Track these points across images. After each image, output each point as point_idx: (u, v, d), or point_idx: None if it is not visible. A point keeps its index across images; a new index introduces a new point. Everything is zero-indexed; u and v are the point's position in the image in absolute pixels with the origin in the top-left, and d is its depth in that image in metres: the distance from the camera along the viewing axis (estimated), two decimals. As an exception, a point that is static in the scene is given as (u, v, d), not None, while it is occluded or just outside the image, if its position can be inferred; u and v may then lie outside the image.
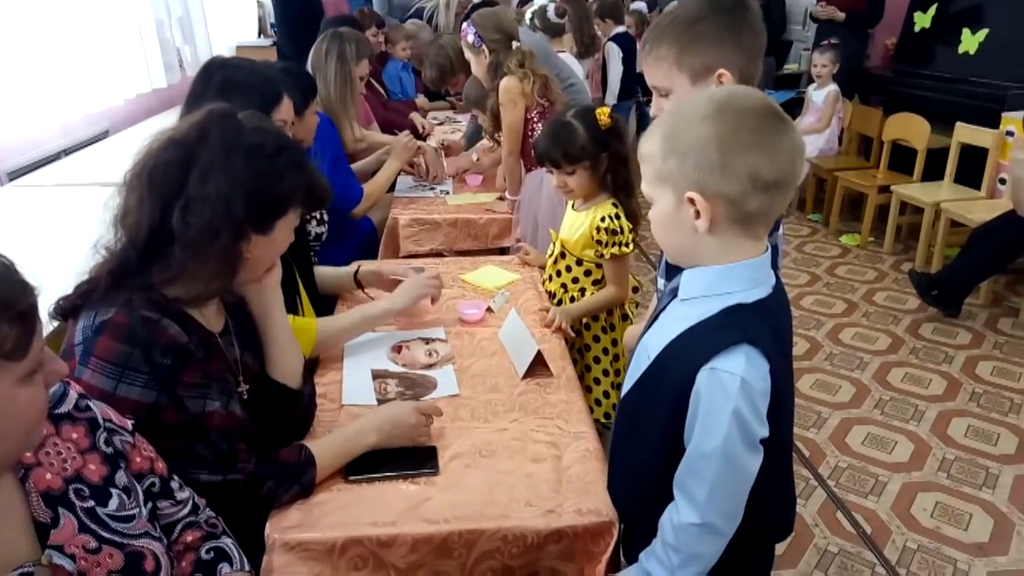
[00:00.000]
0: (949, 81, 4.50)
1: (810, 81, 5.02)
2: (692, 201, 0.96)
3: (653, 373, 1.07)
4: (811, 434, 2.64)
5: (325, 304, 1.93)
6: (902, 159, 4.38)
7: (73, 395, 0.91)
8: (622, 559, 1.23)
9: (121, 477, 0.91)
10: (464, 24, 2.72)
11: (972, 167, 3.97)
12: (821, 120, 4.69)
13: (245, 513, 1.16)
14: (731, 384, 0.95)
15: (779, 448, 1.04)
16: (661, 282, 1.40)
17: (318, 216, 2.24)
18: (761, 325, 0.98)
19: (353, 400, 1.51)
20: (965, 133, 3.98)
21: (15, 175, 2.70)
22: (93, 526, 0.85)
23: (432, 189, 2.99)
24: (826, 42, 4.68)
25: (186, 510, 1.02)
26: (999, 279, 3.70)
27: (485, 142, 3.13)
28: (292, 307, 1.66)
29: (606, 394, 2.00)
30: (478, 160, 3.23)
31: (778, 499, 1.13)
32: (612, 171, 1.92)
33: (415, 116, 3.94)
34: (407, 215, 2.69)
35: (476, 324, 1.83)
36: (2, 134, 2.66)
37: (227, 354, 1.24)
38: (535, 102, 2.62)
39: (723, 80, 1.21)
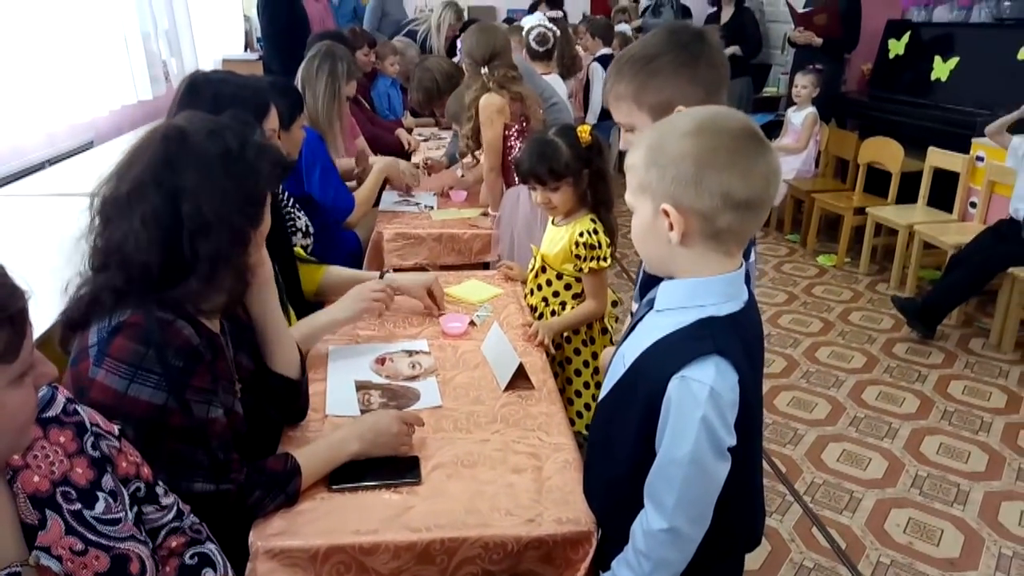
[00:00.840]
0: (922, 107, 4.62)
1: (789, 104, 5.13)
2: (666, 213, 0.99)
3: (627, 381, 1.10)
4: (788, 450, 2.68)
5: (312, 309, 1.94)
6: (877, 182, 4.48)
7: (61, 399, 0.92)
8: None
9: (107, 481, 0.92)
10: (460, 39, 2.79)
11: (944, 190, 4.07)
12: (800, 141, 4.79)
13: (231, 521, 1.17)
14: (700, 392, 0.98)
15: (747, 458, 1.07)
16: (635, 306, 1.42)
17: (303, 229, 2.26)
18: (732, 337, 1.01)
19: (337, 411, 1.53)
20: (937, 157, 4.09)
21: (-2, 184, 2.70)
22: (80, 528, 0.86)
23: (417, 204, 3.02)
24: (811, 66, 4.79)
25: (170, 515, 1.03)
26: (970, 300, 3.78)
27: (469, 158, 3.17)
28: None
29: (587, 406, 2.02)
30: (463, 176, 3.27)
31: (746, 508, 1.16)
32: (592, 187, 1.96)
33: (401, 133, 3.98)
34: (392, 229, 2.71)
35: (459, 337, 1.85)
36: (-15, 143, 2.66)
37: (227, 355, 1.26)
38: (515, 119, 2.67)
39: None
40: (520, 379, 1.62)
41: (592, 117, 4.93)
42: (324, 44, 2.83)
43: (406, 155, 3.78)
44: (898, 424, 2.86)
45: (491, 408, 1.55)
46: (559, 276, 2.02)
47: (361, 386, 1.61)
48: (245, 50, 5.61)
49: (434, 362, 1.72)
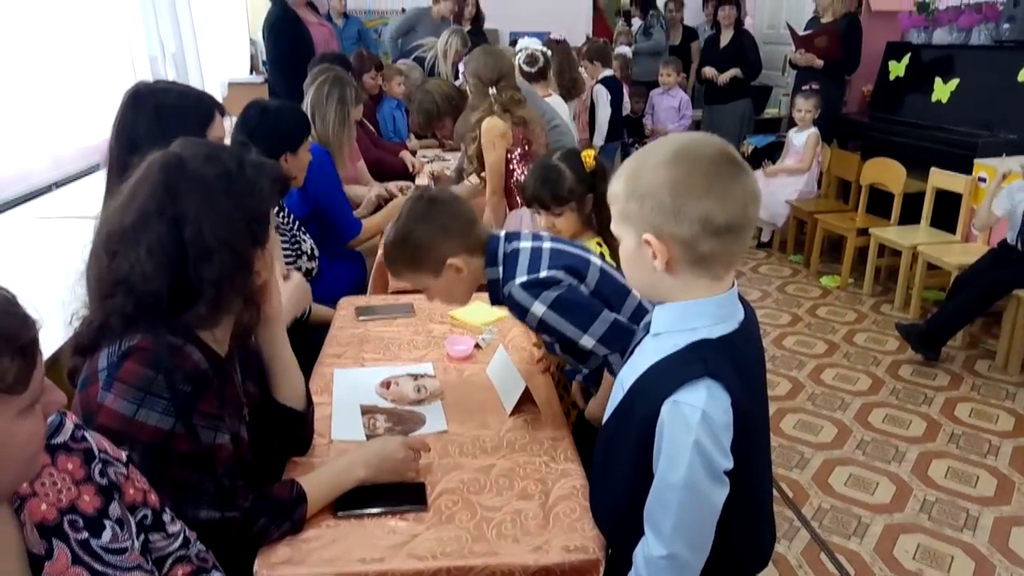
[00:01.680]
0: (923, 128, 4.64)
1: (790, 125, 5.16)
2: (648, 242, 1.01)
3: (625, 406, 1.11)
4: (795, 475, 2.66)
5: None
6: (879, 203, 4.49)
7: (69, 425, 0.92)
8: None
9: (115, 509, 0.92)
10: (461, 64, 2.82)
11: (947, 211, 4.07)
12: (803, 161, 4.81)
13: (236, 548, 1.16)
14: (692, 416, 0.98)
15: (749, 481, 1.06)
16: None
17: (308, 252, 2.27)
18: (724, 359, 1.01)
19: (342, 435, 1.52)
20: (940, 178, 4.10)
21: (5, 208, 2.70)
22: (87, 558, 0.86)
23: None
24: (808, 87, 4.82)
25: (177, 543, 1.02)
26: (976, 321, 3.77)
27: (475, 178, 3.19)
28: None
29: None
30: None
31: (753, 530, 1.15)
32: (597, 211, 1.96)
33: (405, 155, 4.00)
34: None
35: (464, 360, 1.85)
36: (-8, 166, 2.67)
37: (235, 380, 1.26)
38: (517, 143, 2.68)
39: (455, 265, 1.47)
40: (526, 402, 1.61)
41: (599, 138, 4.95)
42: (332, 71, 2.87)
43: (410, 176, 3.80)
44: (905, 447, 2.84)
45: (497, 432, 1.54)
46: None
47: (367, 410, 1.61)
48: (251, 73, 5.65)
49: (439, 385, 1.71)
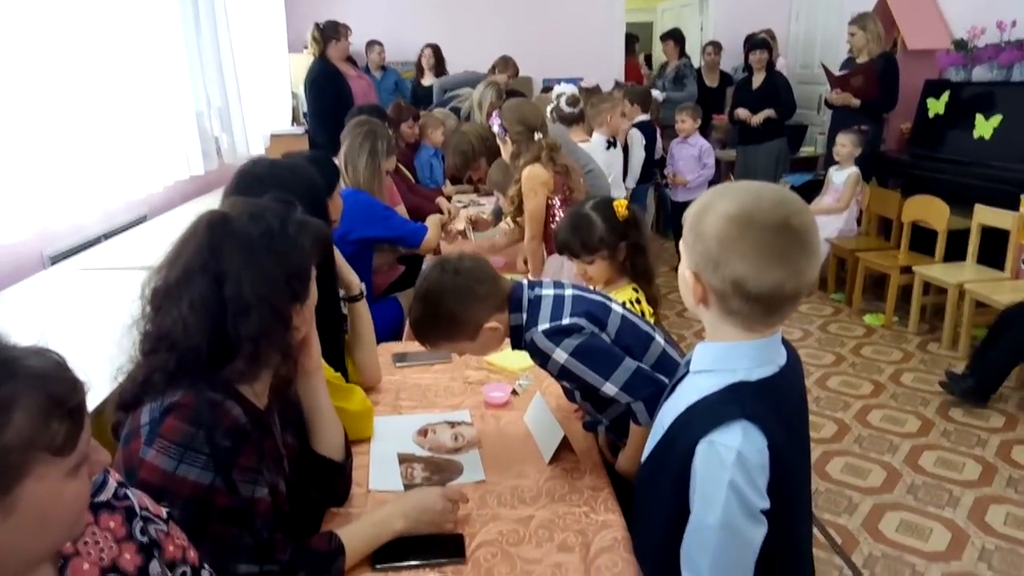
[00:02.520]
0: (966, 164, 4.56)
1: (827, 163, 5.11)
2: (693, 276, 1.05)
3: (664, 444, 1.11)
4: (843, 520, 2.57)
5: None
6: (922, 240, 4.40)
7: (112, 484, 0.93)
8: None
9: (155, 567, 0.92)
10: (493, 114, 2.86)
11: (993, 248, 3.98)
12: (841, 200, 4.75)
13: (274, 603, 1.15)
14: (728, 456, 0.98)
15: (786, 524, 1.04)
16: None
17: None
18: (762, 402, 1.01)
19: (380, 485, 1.52)
20: (985, 215, 4.01)
21: (58, 259, 2.80)
22: (128, 616, 0.86)
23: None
24: (855, 127, 4.78)
25: (216, 599, 1.03)
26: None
27: (504, 224, 3.21)
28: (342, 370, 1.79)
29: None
30: (496, 238, 3.32)
31: (783, 573, 1.10)
32: (631, 260, 1.95)
33: (441, 200, 4.06)
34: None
35: (501, 407, 1.84)
36: (46, 219, 2.78)
37: (275, 433, 1.27)
38: (558, 190, 2.71)
39: (491, 327, 1.47)
40: (565, 450, 1.59)
41: (631, 181, 4.96)
42: (368, 124, 2.98)
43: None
44: (960, 492, 2.74)
45: (535, 482, 1.52)
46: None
47: (404, 459, 1.61)
48: (292, 124, 5.83)
49: (476, 433, 1.70)
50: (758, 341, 1.05)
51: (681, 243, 1.10)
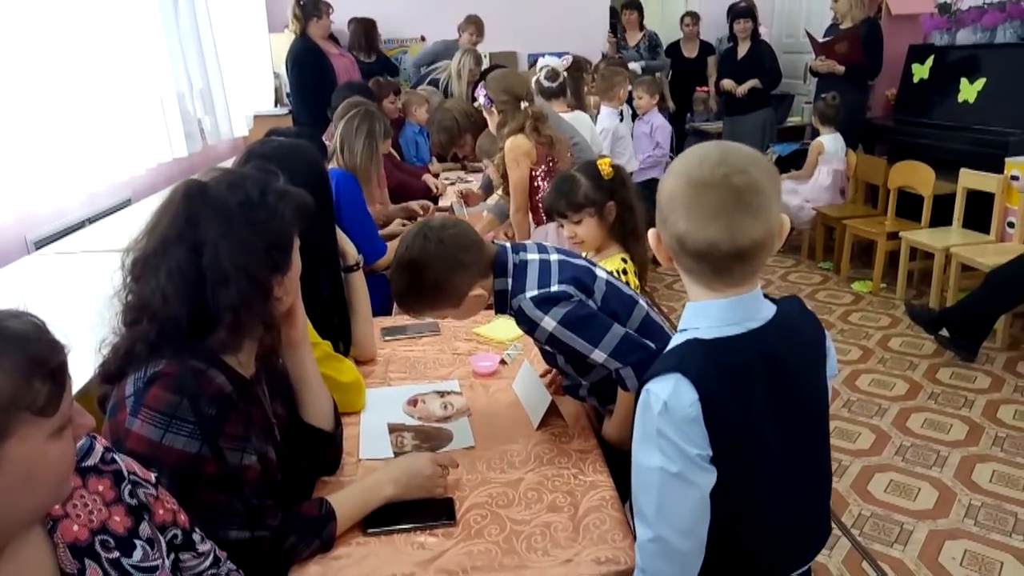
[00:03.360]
0: (951, 129, 4.57)
1: (813, 132, 5.12)
2: (656, 236, 1.09)
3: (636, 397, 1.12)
4: (833, 482, 2.60)
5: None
6: (908, 206, 4.42)
7: (99, 449, 0.94)
8: None
9: (145, 529, 0.93)
10: (479, 85, 2.85)
11: (979, 212, 4.00)
12: (804, 169, 4.85)
13: (266, 567, 1.17)
14: (655, 405, 1.02)
15: (741, 480, 1.05)
16: None
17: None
18: (703, 359, 1.03)
19: (370, 454, 1.53)
20: (970, 179, 4.03)
21: (41, 243, 2.78)
22: (118, 577, 0.87)
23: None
24: (822, 95, 4.82)
25: (208, 562, 1.03)
26: (1015, 322, 3.69)
27: (494, 196, 3.21)
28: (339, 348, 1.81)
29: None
30: (487, 213, 3.31)
31: (744, 538, 1.11)
32: (621, 220, 1.96)
33: (428, 178, 4.05)
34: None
35: (490, 376, 1.85)
36: (30, 205, 2.75)
37: (263, 402, 1.27)
38: (541, 161, 2.70)
39: (476, 293, 1.47)
40: (552, 416, 1.61)
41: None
42: (363, 105, 2.94)
43: (433, 199, 3.84)
44: (947, 452, 2.77)
45: (524, 447, 1.53)
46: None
47: (394, 428, 1.62)
48: (275, 105, 5.78)
49: (466, 402, 1.71)
50: (724, 301, 1.06)
51: None
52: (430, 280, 1.43)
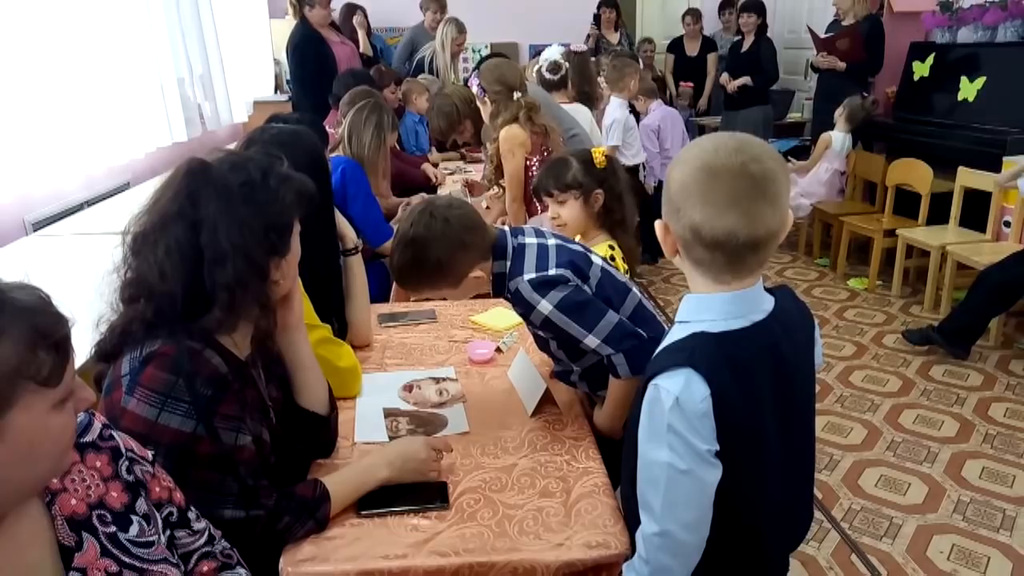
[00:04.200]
0: (950, 127, 4.58)
1: (813, 129, 5.13)
2: (664, 228, 1.07)
3: (640, 391, 1.11)
4: (824, 476, 2.62)
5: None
6: (906, 204, 4.43)
7: (97, 425, 0.95)
8: None
9: (141, 505, 0.94)
10: (472, 75, 2.85)
11: (976, 210, 4.01)
12: (809, 162, 4.85)
13: (260, 547, 1.18)
14: (666, 401, 1.01)
15: (745, 473, 1.06)
16: None
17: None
18: (714, 354, 1.03)
19: (365, 437, 1.54)
20: (968, 177, 4.04)
21: (40, 225, 2.79)
22: (115, 551, 0.88)
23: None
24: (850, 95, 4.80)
25: (202, 540, 1.05)
26: (1008, 321, 3.70)
27: (495, 188, 3.21)
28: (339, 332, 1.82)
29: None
30: (487, 208, 3.31)
31: (745, 528, 1.12)
32: (610, 209, 1.97)
33: (427, 167, 4.05)
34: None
35: (486, 364, 1.86)
36: (28, 186, 2.76)
37: (259, 384, 1.28)
38: (536, 151, 2.71)
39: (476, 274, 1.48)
40: (547, 403, 1.62)
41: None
42: (370, 96, 2.98)
43: (432, 189, 3.84)
44: (937, 448, 2.79)
45: (518, 433, 1.55)
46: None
47: (389, 413, 1.63)
48: (275, 92, 5.77)
49: (461, 389, 1.73)
50: (728, 294, 1.06)
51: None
52: (432, 258, 1.43)
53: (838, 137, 4.71)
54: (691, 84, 6.36)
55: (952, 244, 3.87)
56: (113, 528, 0.90)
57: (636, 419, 1.17)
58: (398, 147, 4.31)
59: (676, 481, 1.02)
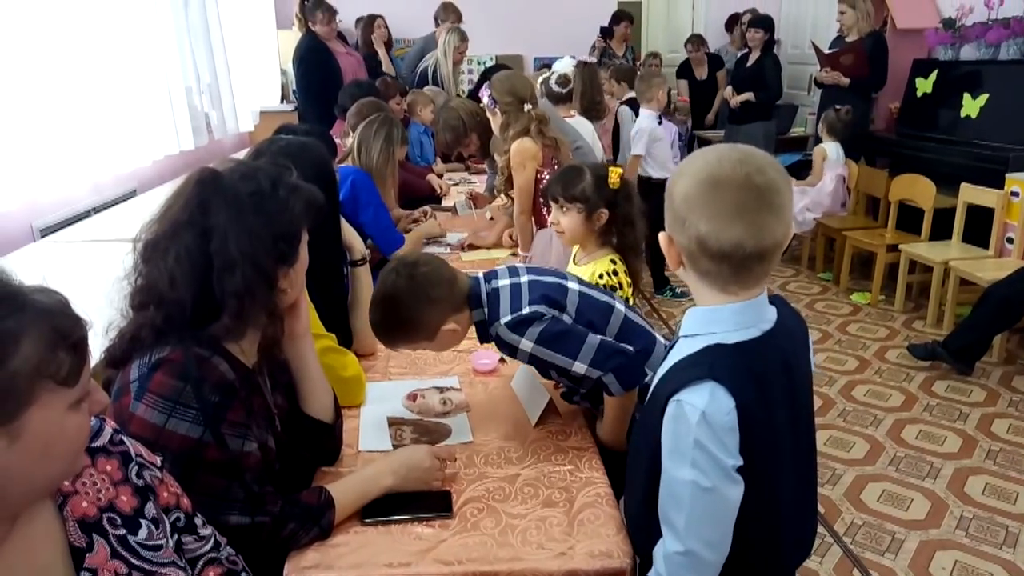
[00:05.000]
0: (953, 144, 4.60)
1: (817, 143, 5.15)
2: (668, 240, 1.07)
3: (647, 406, 1.12)
4: (826, 491, 2.62)
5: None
6: (908, 219, 4.45)
7: (108, 430, 0.96)
8: None
9: (150, 509, 0.95)
10: (483, 86, 2.87)
11: (979, 226, 4.02)
12: (813, 175, 4.87)
13: (265, 553, 1.19)
14: (692, 416, 1.00)
15: (762, 486, 1.06)
16: None
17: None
18: (734, 365, 1.03)
19: (369, 446, 1.55)
20: (971, 193, 4.05)
21: (47, 231, 2.81)
22: (124, 553, 0.89)
23: (447, 246, 3.08)
24: (833, 107, 4.85)
25: (208, 546, 1.05)
26: (1012, 337, 3.71)
27: (501, 199, 3.23)
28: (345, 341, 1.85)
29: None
30: (492, 219, 3.33)
31: (764, 538, 1.13)
32: (620, 232, 1.96)
33: (432, 178, 4.07)
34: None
35: (489, 374, 1.87)
36: (36, 193, 2.78)
37: (264, 391, 1.29)
38: (547, 163, 2.72)
39: (449, 328, 1.47)
40: (550, 414, 1.63)
41: (623, 159, 4.98)
42: (381, 110, 3.04)
43: (437, 199, 3.86)
44: (940, 463, 2.79)
45: (522, 443, 1.55)
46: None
47: (393, 422, 1.63)
48: (281, 101, 5.81)
49: (465, 398, 1.73)
50: (736, 305, 1.06)
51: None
52: (402, 315, 1.46)
53: (831, 147, 4.77)
54: (686, 99, 6.40)
55: (955, 260, 3.88)
56: (123, 531, 0.90)
57: (638, 433, 1.18)
58: (404, 157, 4.34)
59: (700, 499, 1.02)
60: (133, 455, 0.97)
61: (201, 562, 1.05)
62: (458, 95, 5.06)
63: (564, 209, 1.95)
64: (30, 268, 2.37)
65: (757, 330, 1.07)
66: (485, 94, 2.81)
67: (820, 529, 2.41)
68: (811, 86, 6.00)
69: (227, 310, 1.15)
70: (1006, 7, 4.61)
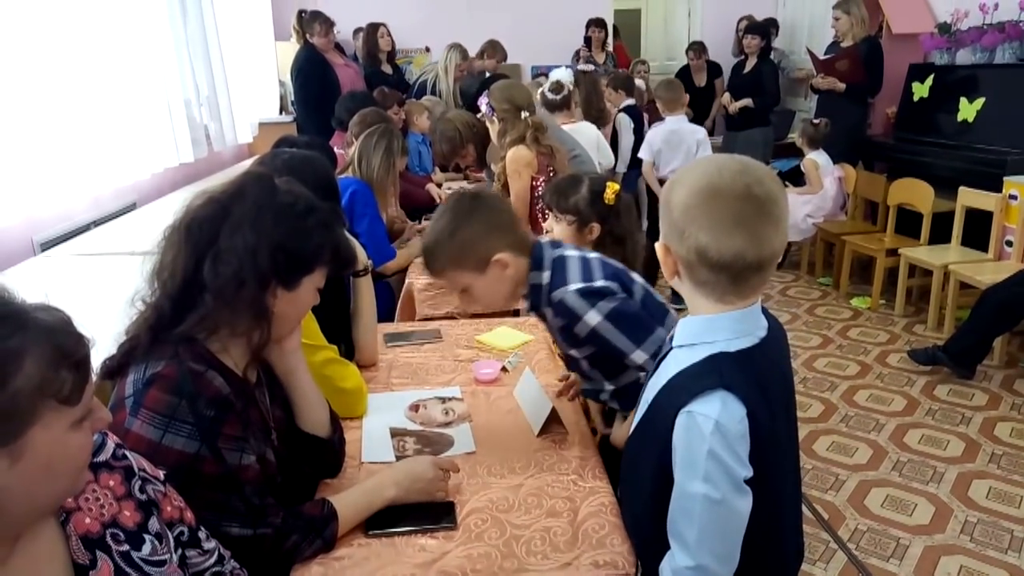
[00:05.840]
0: (950, 148, 4.61)
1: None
2: (664, 249, 1.07)
3: (648, 417, 1.12)
4: (829, 496, 2.61)
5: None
6: (907, 223, 4.45)
7: (111, 445, 0.96)
8: None
9: (154, 524, 0.95)
10: (482, 95, 2.89)
11: (977, 230, 4.03)
12: (812, 185, 4.90)
13: (268, 566, 1.18)
14: (706, 426, 1.00)
15: (768, 493, 1.06)
16: None
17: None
18: (741, 373, 1.03)
19: (372, 457, 1.54)
20: (969, 197, 4.05)
21: (47, 245, 2.81)
22: (128, 569, 0.89)
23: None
24: (810, 120, 4.96)
25: (212, 560, 1.05)
26: (1013, 340, 3.70)
27: None
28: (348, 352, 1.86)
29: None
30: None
31: (769, 545, 1.12)
32: (610, 249, 1.95)
33: (431, 187, 4.08)
34: (424, 279, 2.75)
35: (491, 383, 1.87)
36: (36, 207, 2.78)
37: (261, 404, 1.29)
38: (542, 171, 2.73)
39: (502, 261, 1.40)
40: (553, 423, 1.62)
41: (621, 165, 4.99)
42: (381, 121, 3.05)
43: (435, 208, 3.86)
44: (944, 468, 2.78)
45: (525, 453, 1.55)
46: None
47: (396, 433, 1.63)
48: (280, 113, 5.82)
49: (467, 408, 1.73)
50: (734, 313, 1.06)
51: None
52: (459, 233, 1.42)
53: (817, 156, 4.82)
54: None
55: (954, 263, 3.88)
56: (126, 547, 0.90)
57: (638, 445, 1.18)
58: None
59: (711, 513, 1.01)
60: (136, 469, 0.97)
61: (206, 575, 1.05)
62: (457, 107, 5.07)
63: (558, 219, 1.95)
64: (31, 282, 2.37)
65: (755, 338, 1.08)
66: (483, 102, 2.82)
67: (824, 535, 2.40)
68: (807, 92, 6.02)
69: (211, 289, 1.15)
70: (1001, 11, 4.62)
